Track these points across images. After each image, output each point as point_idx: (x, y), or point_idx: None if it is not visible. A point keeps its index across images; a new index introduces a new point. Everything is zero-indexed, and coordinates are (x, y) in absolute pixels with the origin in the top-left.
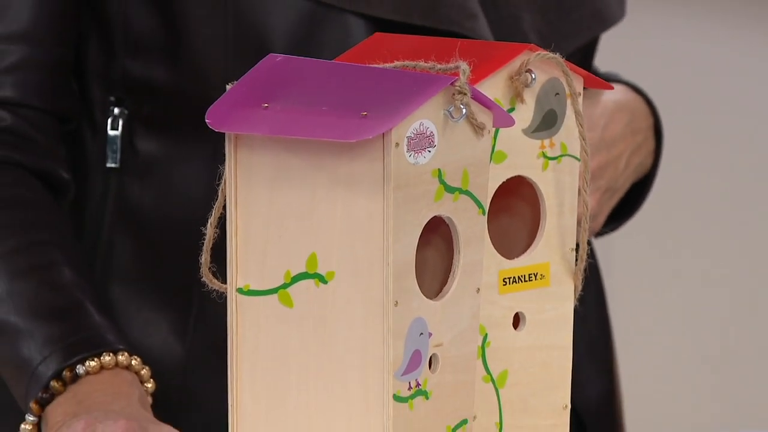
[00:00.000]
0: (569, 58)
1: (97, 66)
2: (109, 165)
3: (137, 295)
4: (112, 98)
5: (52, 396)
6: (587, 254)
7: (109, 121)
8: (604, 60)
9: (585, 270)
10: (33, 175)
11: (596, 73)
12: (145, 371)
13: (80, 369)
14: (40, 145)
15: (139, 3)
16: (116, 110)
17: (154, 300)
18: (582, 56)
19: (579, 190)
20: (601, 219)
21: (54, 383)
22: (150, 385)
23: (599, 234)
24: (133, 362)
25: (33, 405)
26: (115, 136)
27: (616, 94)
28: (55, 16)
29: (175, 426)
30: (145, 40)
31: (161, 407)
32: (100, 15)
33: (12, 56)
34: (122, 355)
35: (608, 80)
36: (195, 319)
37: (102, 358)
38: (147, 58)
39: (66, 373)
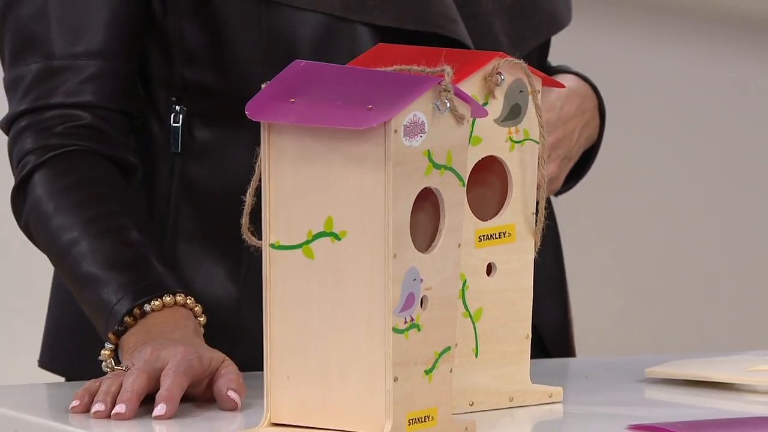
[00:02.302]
0: (529, 54)
1: (161, 73)
2: (173, 150)
3: (199, 251)
4: (173, 98)
5: (126, 329)
6: (545, 217)
7: (172, 116)
8: (555, 55)
9: (543, 229)
10: (107, 160)
11: (549, 67)
12: (198, 308)
13: (147, 307)
14: (112, 137)
15: (191, 23)
16: (177, 107)
17: (213, 253)
18: (539, 53)
19: (538, 166)
20: (560, 181)
21: (127, 318)
22: (202, 318)
23: (559, 193)
24: (188, 301)
25: (111, 336)
26: (177, 128)
27: (569, 81)
28: (124, 37)
29: (229, 355)
30: (197, 53)
31: (219, 341)
32: (161, 34)
33: (91, 69)
34: (179, 296)
35: (561, 72)
36: (246, 267)
37: (164, 298)
38: (199, 66)
39: (136, 311)
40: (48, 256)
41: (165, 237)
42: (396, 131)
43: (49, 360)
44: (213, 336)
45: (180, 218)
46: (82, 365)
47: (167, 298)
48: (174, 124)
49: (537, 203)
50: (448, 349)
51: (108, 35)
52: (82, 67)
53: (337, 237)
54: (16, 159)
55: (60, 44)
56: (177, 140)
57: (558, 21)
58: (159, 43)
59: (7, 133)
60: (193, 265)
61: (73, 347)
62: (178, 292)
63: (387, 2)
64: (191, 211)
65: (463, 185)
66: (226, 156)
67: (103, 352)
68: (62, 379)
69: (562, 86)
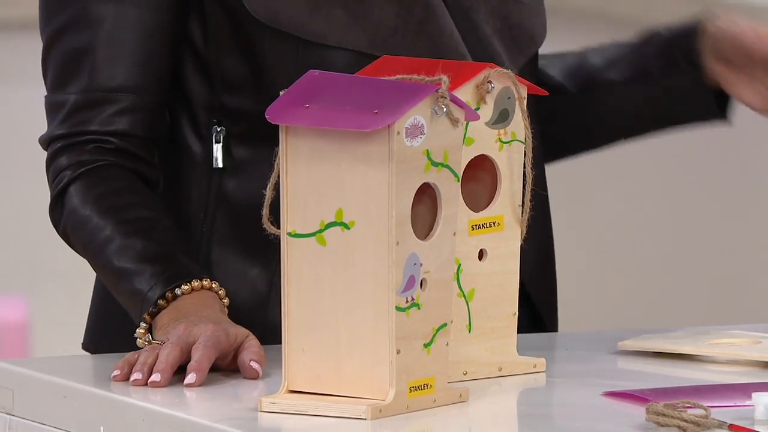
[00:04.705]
0: (525, 66)
1: (203, 99)
2: (213, 167)
3: (232, 254)
4: (214, 120)
5: (159, 310)
6: (530, 209)
7: (213, 135)
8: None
9: (528, 219)
10: (133, 174)
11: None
12: (222, 291)
13: (178, 291)
14: (138, 156)
15: (232, 57)
16: (218, 128)
17: (244, 257)
18: (531, 67)
19: (524, 165)
20: None
21: (160, 302)
22: (226, 300)
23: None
24: (213, 285)
25: (146, 316)
26: (217, 147)
27: None
28: (157, 74)
29: None
30: (236, 82)
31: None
32: (202, 63)
33: (124, 103)
34: (205, 281)
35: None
36: (274, 268)
37: (192, 283)
38: (238, 94)
39: (168, 294)
40: (86, 257)
41: (201, 242)
42: (399, 133)
43: (92, 345)
44: None
45: (215, 226)
46: (121, 351)
47: (195, 283)
48: (215, 144)
49: (523, 196)
50: (445, 325)
51: (142, 72)
52: (116, 100)
53: (346, 226)
54: (53, 175)
55: (98, 78)
56: (217, 158)
57: (536, 39)
58: (200, 71)
59: (45, 149)
60: (226, 268)
61: (114, 335)
62: (204, 278)
63: (405, 40)
64: (226, 220)
65: (458, 181)
66: (259, 172)
67: (138, 330)
68: None
69: (546, 93)
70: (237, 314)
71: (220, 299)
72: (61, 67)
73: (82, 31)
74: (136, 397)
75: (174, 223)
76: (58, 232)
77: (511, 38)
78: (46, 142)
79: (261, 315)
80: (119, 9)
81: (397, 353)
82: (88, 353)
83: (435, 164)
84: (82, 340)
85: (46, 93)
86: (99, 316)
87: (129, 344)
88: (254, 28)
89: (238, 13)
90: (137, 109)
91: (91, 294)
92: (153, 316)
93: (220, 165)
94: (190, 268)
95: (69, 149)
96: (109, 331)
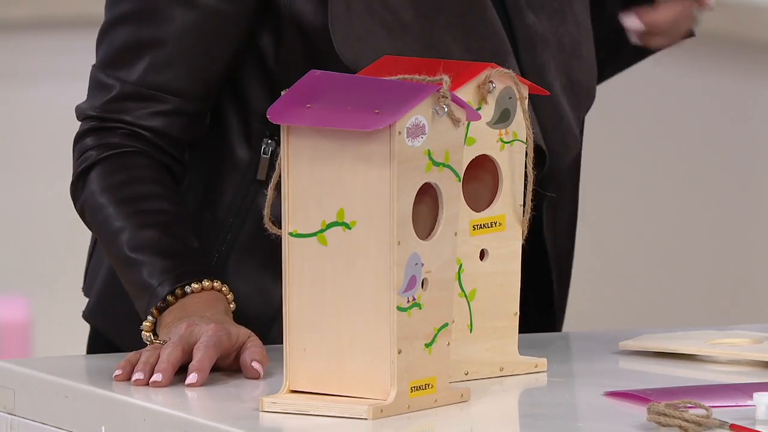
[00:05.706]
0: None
1: (261, 110)
2: (258, 177)
3: (251, 264)
4: (267, 132)
5: (167, 306)
6: (531, 208)
7: (262, 147)
8: None
9: (529, 219)
10: (160, 166)
11: None
12: (230, 296)
13: (188, 289)
14: (167, 151)
15: (299, 73)
16: (268, 141)
17: (262, 269)
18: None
19: (525, 165)
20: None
21: (169, 297)
22: (233, 306)
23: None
24: (223, 288)
25: (153, 311)
26: (265, 158)
27: None
28: (207, 84)
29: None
30: None
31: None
32: (269, 77)
33: (168, 105)
34: (216, 282)
35: None
36: None
37: (202, 282)
38: None
39: (178, 291)
40: (98, 239)
41: (223, 245)
42: (400, 133)
43: (91, 314)
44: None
45: (242, 233)
46: (121, 326)
47: (205, 283)
48: (263, 156)
49: (524, 196)
50: (446, 325)
51: (193, 79)
52: (161, 99)
53: (348, 226)
54: (79, 152)
55: (150, 75)
56: (263, 169)
57: (592, 93)
58: (266, 84)
59: (78, 119)
60: (242, 276)
61: (118, 307)
62: (215, 279)
63: None
64: (253, 230)
65: (460, 180)
66: None
67: (144, 323)
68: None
69: (548, 93)
70: (248, 324)
71: (228, 302)
72: (118, 50)
73: (148, 25)
74: (138, 397)
75: (190, 219)
76: (75, 209)
77: (574, 94)
78: (81, 114)
79: (271, 326)
80: (188, 15)
81: (399, 353)
82: (88, 323)
83: (436, 164)
84: (83, 310)
85: (94, 62)
86: (108, 287)
87: (131, 316)
88: (334, 66)
89: (320, 49)
90: (178, 113)
91: (104, 265)
92: (161, 311)
93: (264, 177)
94: (202, 267)
95: (98, 131)
96: (113, 302)
